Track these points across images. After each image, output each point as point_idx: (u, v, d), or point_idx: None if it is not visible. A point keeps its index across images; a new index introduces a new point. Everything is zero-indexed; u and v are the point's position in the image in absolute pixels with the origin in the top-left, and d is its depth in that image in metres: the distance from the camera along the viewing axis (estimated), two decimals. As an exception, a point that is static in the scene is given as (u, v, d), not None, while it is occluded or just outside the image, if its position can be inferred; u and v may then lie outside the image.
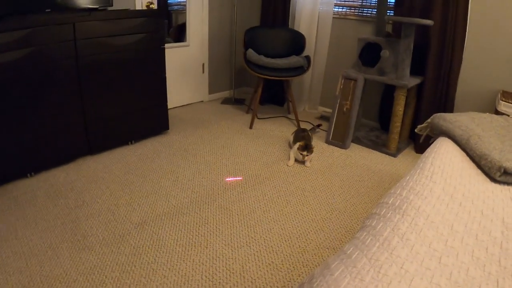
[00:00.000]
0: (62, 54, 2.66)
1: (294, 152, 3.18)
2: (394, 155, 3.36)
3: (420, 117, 3.40)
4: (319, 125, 3.88)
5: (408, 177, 1.56)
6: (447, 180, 1.52)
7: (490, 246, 1.18)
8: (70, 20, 2.64)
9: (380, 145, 3.50)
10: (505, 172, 1.63)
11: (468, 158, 1.84)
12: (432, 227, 1.19)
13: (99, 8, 2.99)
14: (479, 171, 1.74)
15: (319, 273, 1.02)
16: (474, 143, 1.83)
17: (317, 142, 3.62)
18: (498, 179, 1.64)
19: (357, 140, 3.62)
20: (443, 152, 1.80)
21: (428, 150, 1.89)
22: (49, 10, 2.69)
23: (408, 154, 3.45)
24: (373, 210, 1.37)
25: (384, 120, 3.81)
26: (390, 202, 1.35)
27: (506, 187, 1.62)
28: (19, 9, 2.56)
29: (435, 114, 2.30)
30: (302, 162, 3.16)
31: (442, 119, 2.17)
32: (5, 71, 2.39)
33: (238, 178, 2.66)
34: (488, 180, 1.67)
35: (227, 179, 2.63)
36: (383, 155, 3.40)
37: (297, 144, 3.13)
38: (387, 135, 3.46)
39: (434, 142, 2.02)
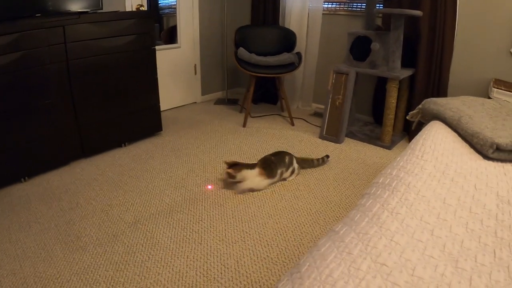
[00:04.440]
0: (53, 58, 2.65)
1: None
2: (388, 147, 3.34)
3: (413, 109, 3.37)
4: (327, 156, 3.08)
5: (398, 158, 1.55)
6: (438, 158, 1.50)
7: (485, 218, 1.15)
8: (59, 24, 2.64)
9: (375, 139, 3.49)
10: (498, 149, 1.62)
11: (459, 139, 1.83)
12: (423, 201, 1.17)
13: (89, 12, 2.98)
14: (471, 150, 1.72)
15: (308, 251, 1.00)
16: (465, 122, 1.82)
17: (311, 138, 3.60)
18: (491, 156, 1.62)
19: (351, 135, 3.60)
20: (434, 133, 1.79)
21: (420, 133, 1.88)
22: (39, 15, 2.68)
23: (402, 146, 3.43)
24: (365, 190, 1.35)
25: (378, 114, 3.79)
26: (380, 181, 1.33)
27: (499, 163, 1.60)
28: (9, 15, 2.54)
29: (426, 99, 2.30)
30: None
31: (433, 103, 2.16)
32: (-4, 75, 2.38)
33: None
34: (480, 157, 1.65)
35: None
36: (378, 148, 3.38)
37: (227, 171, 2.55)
38: (381, 129, 3.44)
39: (426, 126, 2.01)
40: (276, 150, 2.88)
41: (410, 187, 1.24)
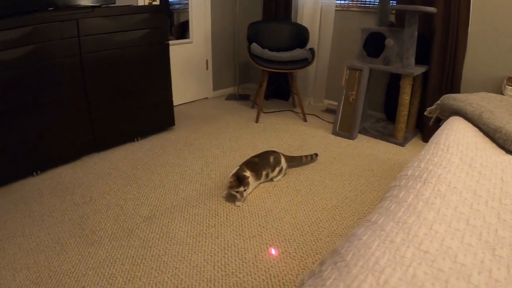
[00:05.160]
0: (66, 51, 2.64)
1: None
2: (401, 144, 3.32)
3: (426, 106, 3.35)
4: (316, 155, 3.02)
5: (423, 152, 1.54)
6: (463, 152, 1.50)
7: None
8: (73, 17, 2.63)
9: (387, 135, 3.47)
10: (521, 144, 1.61)
11: (481, 133, 1.83)
12: (455, 192, 1.17)
13: (101, 6, 2.97)
14: (493, 144, 1.73)
15: (345, 241, 0.99)
16: (487, 118, 1.82)
17: (324, 134, 3.59)
18: (514, 150, 1.62)
19: (364, 131, 3.58)
20: (456, 128, 1.78)
21: (441, 127, 1.87)
22: (52, 8, 2.68)
23: (415, 143, 3.41)
24: (392, 183, 1.34)
25: (390, 111, 3.78)
26: (409, 173, 1.32)
27: (521, 158, 1.60)
28: (22, 9, 2.53)
29: (445, 95, 2.29)
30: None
31: (452, 98, 2.15)
32: (9, 69, 2.37)
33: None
34: (503, 152, 1.65)
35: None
36: (391, 144, 3.36)
37: (230, 181, 2.37)
38: (393, 126, 3.43)
39: (446, 121, 1.99)
40: (263, 151, 2.74)
41: (441, 178, 1.24)
